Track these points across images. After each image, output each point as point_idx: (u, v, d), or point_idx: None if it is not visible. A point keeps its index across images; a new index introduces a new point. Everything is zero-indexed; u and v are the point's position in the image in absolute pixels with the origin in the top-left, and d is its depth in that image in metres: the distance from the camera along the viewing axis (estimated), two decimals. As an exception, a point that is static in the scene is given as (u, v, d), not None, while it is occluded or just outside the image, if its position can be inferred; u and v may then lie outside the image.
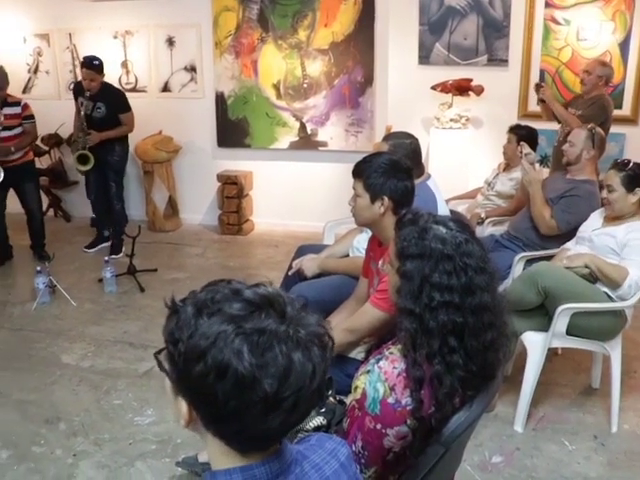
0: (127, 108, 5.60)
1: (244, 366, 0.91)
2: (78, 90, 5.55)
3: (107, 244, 5.91)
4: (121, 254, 5.62)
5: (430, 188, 3.26)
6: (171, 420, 3.21)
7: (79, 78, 5.87)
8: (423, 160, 3.57)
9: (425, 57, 5.78)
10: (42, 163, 6.78)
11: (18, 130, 5.31)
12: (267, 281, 1.05)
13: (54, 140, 6.56)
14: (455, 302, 1.61)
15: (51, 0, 6.66)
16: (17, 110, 5.28)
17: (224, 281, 1.02)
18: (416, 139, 3.37)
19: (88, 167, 5.45)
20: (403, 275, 1.68)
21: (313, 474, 1.11)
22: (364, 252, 2.84)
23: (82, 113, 5.42)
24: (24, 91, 6.84)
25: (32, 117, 5.39)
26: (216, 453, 1.04)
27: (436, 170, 4.52)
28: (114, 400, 3.43)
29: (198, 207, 6.70)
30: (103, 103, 5.42)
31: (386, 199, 2.41)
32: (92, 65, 5.35)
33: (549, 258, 3.47)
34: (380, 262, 1.92)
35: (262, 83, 6.15)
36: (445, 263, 1.63)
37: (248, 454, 1.02)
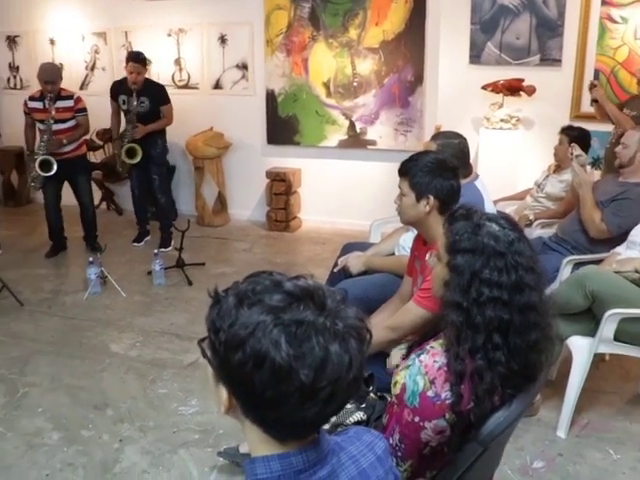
0: (168, 100, 5.72)
1: (281, 356, 0.93)
2: (117, 89, 5.68)
3: (149, 238, 6.07)
4: (170, 247, 5.73)
5: (478, 188, 3.24)
6: (214, 411, 3.27)
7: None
8: (472, 160, 3.55)
9: (476, 56, 5.72)
10: (96, 157, 6.96)
11: (71, 123, 5.46)
12: (308, 274, 1.07)
13: (108, 135, 6.71)
14: (503, 299, 1.62)
15: (110, 0, 6.83)
16: (70, 103, 5.44)
17: (265, 273, 1.05)
18: (465, 139, 3.35)
19: (136, 160, 5.57)
20: (453, 268, 1.70)
21: (349, 465, 1.12)
22: (409, 251, 2.84)
23: (125, 108, 5.56)
24: (81, 87, 7.04)
25: (84, 110, 5.54)
26: (255, 440, 1.07)
27: (485, 171, 4.47)
28: (160, 389, 3.51)
29: (246, 203, 6.78)
30: (147, 97, 5.55)
31: (431, 198, 2.41)
32: (139, 59, 5.50)
33: (598, 262, 3.41)
34: (427, 255, 1.93)
35: (312, 81, 6.19)
36: (497, 260, 1.65)
37: (286, 442, 1.04)
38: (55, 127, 5.33)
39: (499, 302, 1.63)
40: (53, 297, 4.86)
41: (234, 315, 0.98)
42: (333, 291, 1.04)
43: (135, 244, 5.99)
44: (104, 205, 7.21)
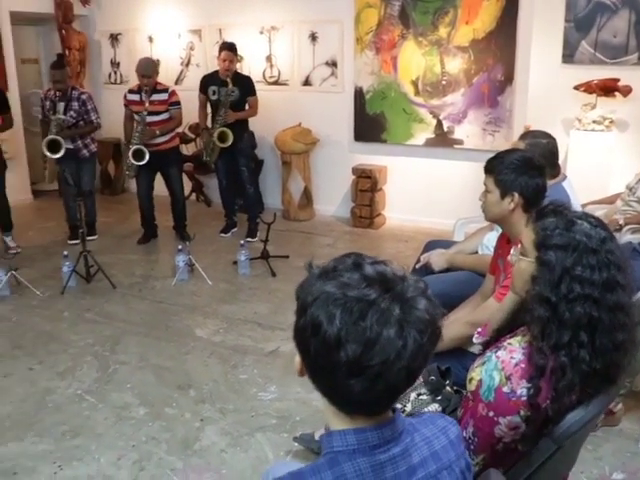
0: (254, 92, 5.90)
1: (332, 328, 0.99)
2: (207, 81, 5.89)
3: (236, 229, 6.23)
4: (256, 239, 5.87)
5: (565, 189, 3.19)
6: (292, 399, 3.36)
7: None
8: (560, 162, 3.49)
9: (569, 55, 5.58)
10: (188, 150, 7.21)
11: (165, 115, 5.70)
12: (391, 261, 1.11)
13: (200, 129, 6.93)
14: (594, 296, 1.61)
15: (206, -1, 7.07)
16: (164, 97, 5.68)
17: (354, 254, 1.10)
18: (554, 139, 3.30)
19: (227, 144, 5.72)
20: (543, 264, 1.69)
21: (422, 446, 1.16)
22: (493, 250, 2.83)
23: (216, 98, 5.73)
24: (176, 82, 7.30)
25: (178, 103, 5.76)
26: (329, 413, 1.13)
27: (574, 173, 4.38)
28: (240, 374, 3.62)
29: (332, 199, 6.86)
30: (237, 87, 5.72)
31: (516, 195, 2.40)
32: (232, 48, 5.72)
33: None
34: (512, 250, 1.93)
35: (401, 79, 6.19)
36: (589, 257, 1.63)
37: (354, 417, 1.09)
38: (149, 119, 5.57)
39: (589, 299, 1.61)
40: (143, 281, 5.09)
41: (311, 286, 1.04)
42: (416, 281, 1.07)
43: (222, 235, 6.18)
44: (194, 196, 7.46)
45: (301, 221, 6.66)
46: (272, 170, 7.03)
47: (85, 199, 5.43)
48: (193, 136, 7.13)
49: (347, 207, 6.60)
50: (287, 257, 5.47)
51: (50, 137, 5.54)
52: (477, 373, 1.73)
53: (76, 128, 5.77)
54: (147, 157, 5.54)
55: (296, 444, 2.94)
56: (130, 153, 5.56)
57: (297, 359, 1.10)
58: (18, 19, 7.54)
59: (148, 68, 5.57)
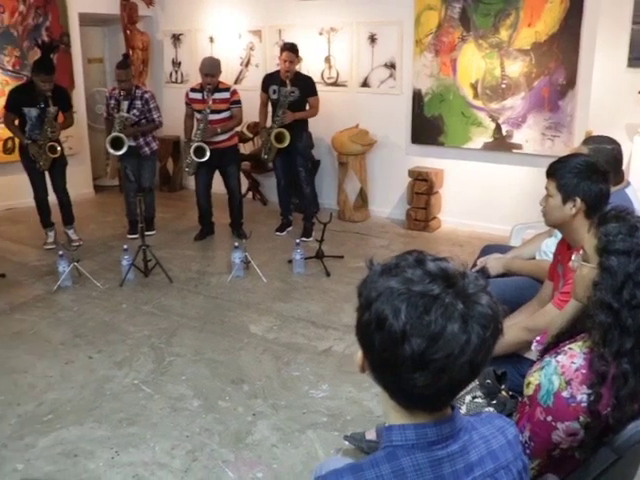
0: (315, 92, 5.93)
1: (398, 322, 1.00)
2: (268, 81, 5.95)
3: (291, 228, 6.28)
4: (311, 238, 5.91)
5: (628, 196, 3.12)
6: (344, 398, 3.37)
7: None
8: (624, 168, 3.41)
9: (636, 59, 5.45)
10: (245, 149, 7.30)
11: (226, 114, 5.79)
12: (452, 257, 1.12)
13: (258, 128, 7.01)
14: None
15: (266, 0, 7.13)
16: (226, 95, 5.77)
17: (416, 251, 1.11)
18: (619, 145, 3.22)
19: (284, 145, 5.77)
20: (605, 269, 1.66)
21: (480, 444, 1.16)
22: (551, 256, 2.79)
23: (276, 97, 5.79)
24: (236, 82, 7.40)
25: (239, 102, 5.85)
26: (387, 407, 1.14)
27: (638, 179, 4.27)
28: (293, 372, 3.66)
29: (387, 201, 6.85)
30: (297, 87, 5.77)
31: (578, 200, 2.36)
32: (293, 48, 5.76)
33: None
34: (574, 256, 1.91)
35: (460, 82, 6.14)
36: None
37: (413, 412, 1.10)
38: (211, 117, 5.67)
39: None
40: (199, 277, 5.18)
41: (374, 282, 1.06)
42: (477, 277, 1.08)
43: (277, 233, 6.24)
44: (250, 195, 7.54)
45: (356, 222, 6.67)
46: (328, 171, 7.07)
47: (145, 195, 5.56)
48: (251, 135, 7.22)
49: (402, 209, 6.58)
50: (342, 257, 5.48)
51: (113, 134, 5.69)
52: (535, 377, 1.71)
53: (138, 126, 5.91)
54: (208, 154, 5.64)
55: (346, 443, 2.95)
56: (191, 150, 5.66)
57: (359, 354, 1.12)
58: (86, 20, 7.78)
59: (212, 67, 5.66)
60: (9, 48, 7.01)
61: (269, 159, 6.03)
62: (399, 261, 1.08)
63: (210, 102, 5.63)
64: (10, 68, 7.05)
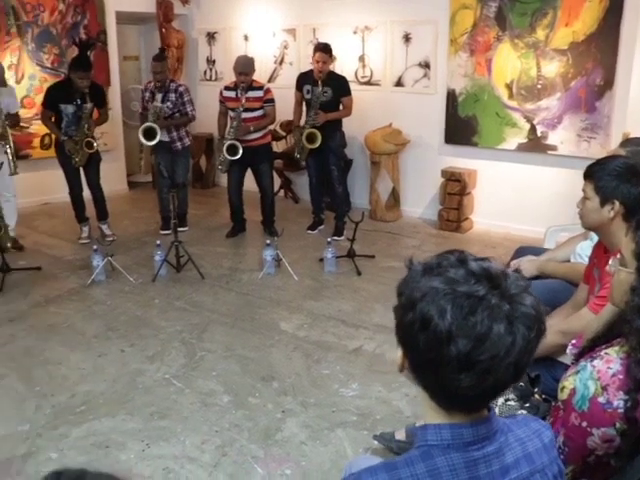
0: (349, 92, 5.91)
1: (444, 322, 1.00)
2: (303, 80, 5.96)
3: (323, 227, 6.29)
4: (343, 237, 5.90)
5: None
6: (373, 397, 3.37)
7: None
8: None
9: (677, 60, 5.33)
10: (278, 147, 7.32)
11: (259, 112, 5.81)
12: (494, 257, 1.12)
13: (291, 127, 7.02)
14: None
15: (301, -1, 7.17)
16: (260, 94, 5.79)
17: (456, 251, 1.11)
18: (657, 147, 3.17)
19: (315, 145, 5.76)
20: None
21: (516, 446, 1.15)
22: (586, 259, 2.75)
23: (309, 97, 5.79)
24: (269, 80, 7.43)
25: (272, 101, 5.87)
26: (425, 406, 1.14)
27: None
28: (323, 370, 3.66)
29: (419, 201, 6.82)
30: (329, 87, 5.77)
31: (617, 204, 2.32)
32: (326, 49, 5.75)
33: None
34: (611, 260, 1.88)
35: (495, 82, 6.08)
36: None
37: (452, 412, 1.10)
38: (244, 115, 5.70)
39: None
40: (231, 273, 5.21)
41: (416, 282, 1.05)
42: (518, 278, 1.07)
43: (309, 231, 6.25)
44: (282, 193, 7.57)
45: (387, 222, 6.65)
46: (361, 170, 7.05)
47: (178, 191, 5.62)
48: (284, 133, 7.24)
49: (434, 210, 6.54)
50: (373, 257, 5.47)
51: (147, 124, 5.75)
52: (570, 382, 1.69)
53: (172, 119, 5.97)
54: (240, 152, 5.66)
55: (375, 442, 2.95)
56: (224, 148, 5.70)
57: (398, 354, 1.12)
58: (122, 18, 7.88)
59: (246, 66, 5.69)
60: (48, 46, 7.13)
61: (302, 158, 6.03)
62: (441, 260, 1.08)
63: (243, 100, 5.66)
64: (49, 66, 7.17)
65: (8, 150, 5.42)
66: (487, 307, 1.00)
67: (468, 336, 0.99)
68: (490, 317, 1.00)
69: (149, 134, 5.76)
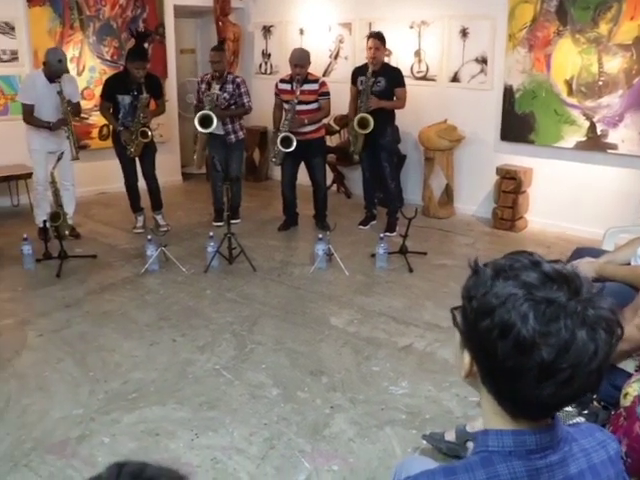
0: (403, 83, 5.85)
1: (527, 330, 0.96)
2: (358, 73, 5.94)
3: (375, 222, 6.25)
4: (395, 233, 5.86)
5: None
6: (423, 396, 3.33)
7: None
8: None
9: None
10: (332, 141, 7.30)
11: (314, 105, 5.81)
12: (564, 260, 1.08)
13: (345, 121, 7.00)
14: None
15: (356, -8, 7.14)
16: (315, 87, 5.80)
17: (526, 252, 1.07)
18: None
19: (367, 131, 5.69)
20: None
21: (580, 457, 1.11)
22: (649, 262, 2.66)
23: (362, 87, 5.75)
24: (324, 74, 7.42)
25: (327, 94, 5.86)
26: (489, 412, 1.10)
27: None
28: (372, 366, 3.63)
29: (473, 198, 6.72)
30: (383, 78, 5.73)
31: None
32: (379, 36, 5.74)
33: None
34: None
35: (554, 78, 5.93)
36: None
37: (518, 419, 1.06)
38: (299, 107, 5.71)
39: None
40: (282, 267, 5.23)
41: (489, 285, 1.02)
42: (589, 280, 1.03)
43: (361, 227, 6.22)
44: (334, 187, 7.55)
45: (440, 218, 6.57)
46: (414, 166, 6.98)
47: (232, 185, 5.66)
48: (338, 128, 7.23)
49: (488, 207, 6.44)
50: (425, 254, 5.42)
51: (203, 112, 5.80)
52: (634, 389, 1.64)
53: (228, 111, 6.01)
54: (294, 144, 5.67)
55: (424, 442, 2.91)
56: (278, 140, 5.71)
57: (466, 361, 1.08)
58: (180, 12, 7.98)
59: (302, 58, 5.71)
60: (108, 39, 7.28)
61: (356, 151, 5.97)
62: (512, 262, 1.04)
63: (298, 93, 5.66)
64: (109, 58, 7.31)
65: (70, 136, 5.55)
66: (569, 313, 0.96)
67: (552, 344, 0.95)
68: (573, 323, 0.96)
69: (205, 122, 5.81)
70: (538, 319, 0.96)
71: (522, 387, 1.00)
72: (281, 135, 5.71)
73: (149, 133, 5.76)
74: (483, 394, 1.09)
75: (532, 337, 0.96)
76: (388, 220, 6.08)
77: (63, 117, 5.53)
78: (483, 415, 1.13)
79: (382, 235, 5.23)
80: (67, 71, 5.71)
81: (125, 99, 5.72)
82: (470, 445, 2.77)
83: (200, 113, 5.82)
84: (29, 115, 5.58)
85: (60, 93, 5.45)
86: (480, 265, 1.07)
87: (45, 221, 5.32)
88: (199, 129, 5.86)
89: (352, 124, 5.87)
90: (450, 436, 2.87)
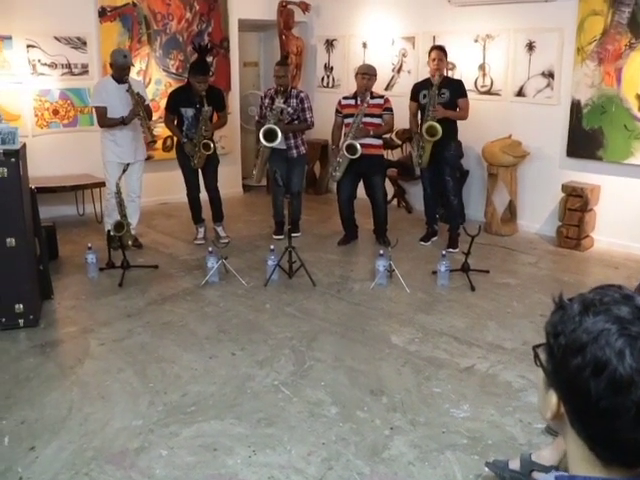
0: (465, 94, 5.83)
1: (623, 367, 0.89)
2: (419, 88, 5.91)
3: (436, 238, 6.18)
4: (457, 249, 5.76)
5: None
6: (485, 420, 3.23)
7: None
8: None
9: None
10: (393, 155, 7.26)
11: (378, 120, 5.83)
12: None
13: (407, 135, 6.95)
14: None
15: (419, 6, 7.11)
16: (380, 101, 5.84)
17: (614, 286, 1.01)
18: None
19: (436, 138, 5.62)
20: None
21: None
22: None
23: (426, 101, 5.71)
24: (386, 88, 7.38)
25: (391, 110, 5.87)
26: (576, 456, 1.02)
27: None
28: (434, 387, 3.55)
29: (537, 215, 6.55)
30: (447, 89, 5.71)
31: None
32: (442, 48, 5.76)
33: None
34: None
35: (624, 93, 5.75)
36: None
37: (611, 466, 0.98)
38: (364, 120, 5.71)
39: None
40: (342, 282, 5.19)
41: (577, 321, 0.96)
42: None
43: (422, 243, 6.14)
44: (395, 202, 7.49)
45: (503, 236, 6.42)
46: (477, 181, 6.87)
47: (293, 199, 5.67)
48: (400, 142, 7.17)
49: (552, 225, 6.26)
50: (487, 272, 5.29)
51: (268, 126, 5.84)
52: None
53: (291, 125, 6.04)
54: (359, 152, 5.66)
55: (487, 469, 2.82)
56: (344, 147, 5.73)
57: (553, 401, 1.02)
58: (244, 26, 8.08)
59: (370, 68, 5.86)
60: (174, 52, 7.42)
61: (423, 162, 5.86)
62: (601, 297, 0.98)
63: (365, 105, 5.70)
64: (174, 71, 7.45)
65: (143, 122, 5.74)
66: None
67: None
68: None
69: (270, 136, 5.85)
70: (635, 355, 0.89)
71: (618, 430, 0.92)
72: (346, 142, 5.71)
73: (211, 145, 5.83)
74: (570, 437, 1.02)
75: (629, 375, 0.89)
76: (450, 236, 5.99)
77: (133, 108, 5.68)
78: (569, 459, 1.05)
79: (444, 252, 5.15)
80: (132, 64, 5.91)
81: (188, 111, 5.82)
82: (536, 476, 2.67)
83: (265, 127, 5.85)
84: (102, 117, 5.76)
85: (129, 90, 5.61)
86: (565, 300, 1.01)
87: (109, 231, 5.44)
88: (263, 143, 5.88)
89: (417, 136, 5.84)
90: (514, 465, 2.77)
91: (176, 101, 5.87)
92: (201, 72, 5.72)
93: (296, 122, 6.10)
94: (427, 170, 5.95)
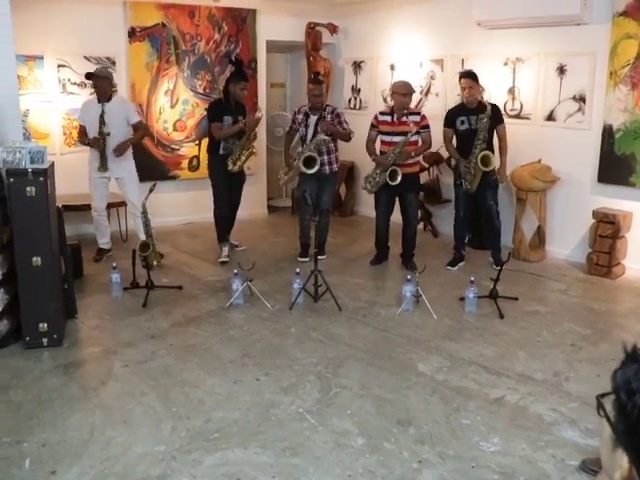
0: (502, 120, 5.87)
1: None
2: (454, 114, 5.92)
3: (463, 263, 6.10)
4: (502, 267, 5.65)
5: None
6: (517, 455, 3.12)
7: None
8: None
9: None
10: (420, 178, 7.17)
11: (415, 138, 5.81)
12: None
13: (434, 158, 6.88)
14: None
15: (448, 29, 7.07)
16: (417, 119, 5.81)
17: None
18: None
19: (490, 168, 5.67)
20: None
21: None
22: None
23: (466, 127, 5.74)
24: (415, 110, 7.32)
25: (428, 127, 5.86)
26: None
27: None
28: (462, 419, 3.45)
29: (566, 241, 6.42)
30: (485, 115, 5.64)
31: None
32: (470, 74, 5.76)
33: None
34: None
35: (658, 118, 5.65)
36: None
37: None
38: (398, 139, 5.71)
39: None
40: (368, 307, 5.10)
41: None
42: None
43: (449, 268, 6.05)
44: (421, 225, 7.40)
45: (531, 262, 6.30)
46: (505, 206, 6.72)
47: (321, 218, 5.64)
48: (426, 165, 7.10)
49: (582, 252, 6.13)
50: (516, 299, 5.18)
51: (309, 154, 5.83)
52: None
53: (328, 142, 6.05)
54: (399, 178, 5.69)
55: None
56: (387, 173, 5.71)
57: (624, 463, 0.94)
58: (271, 47, 8.11)
59: (408, 87, 5.84)
60: (202, 73, 7.46)
61: (472, 188, 5.85)
62: None
63: (413, 125, 5.66)
64: (201, 91, 7.48)
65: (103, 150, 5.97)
66: None
67: None
68: None
69: (308, 163, 5.85)
70: None
71: None
72: (390, 169, 5.68)
73: (254, 151, 6.13)
74: None
75: None
76: (492, 254, 6.07)
77: (96, 137, 5.91)
78: None
79: (472, 278, 5.04)
80: (109, 82, 6.07)
81: (228, 119, 6.00)
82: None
83: (306, 154, 5.84)
84: (79, 135, 6.16)
85: (102, 115, 5.85)
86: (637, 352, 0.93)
87: (134, 250, 5.42)
88: (303, 169, 5.84)
89: (465, 163, 5.80)
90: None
91: (219, 110, 6.05)
92: (243, 79, 6.06)
93: (332, 145, 6.10)
94: (465, 194, 5.89)
